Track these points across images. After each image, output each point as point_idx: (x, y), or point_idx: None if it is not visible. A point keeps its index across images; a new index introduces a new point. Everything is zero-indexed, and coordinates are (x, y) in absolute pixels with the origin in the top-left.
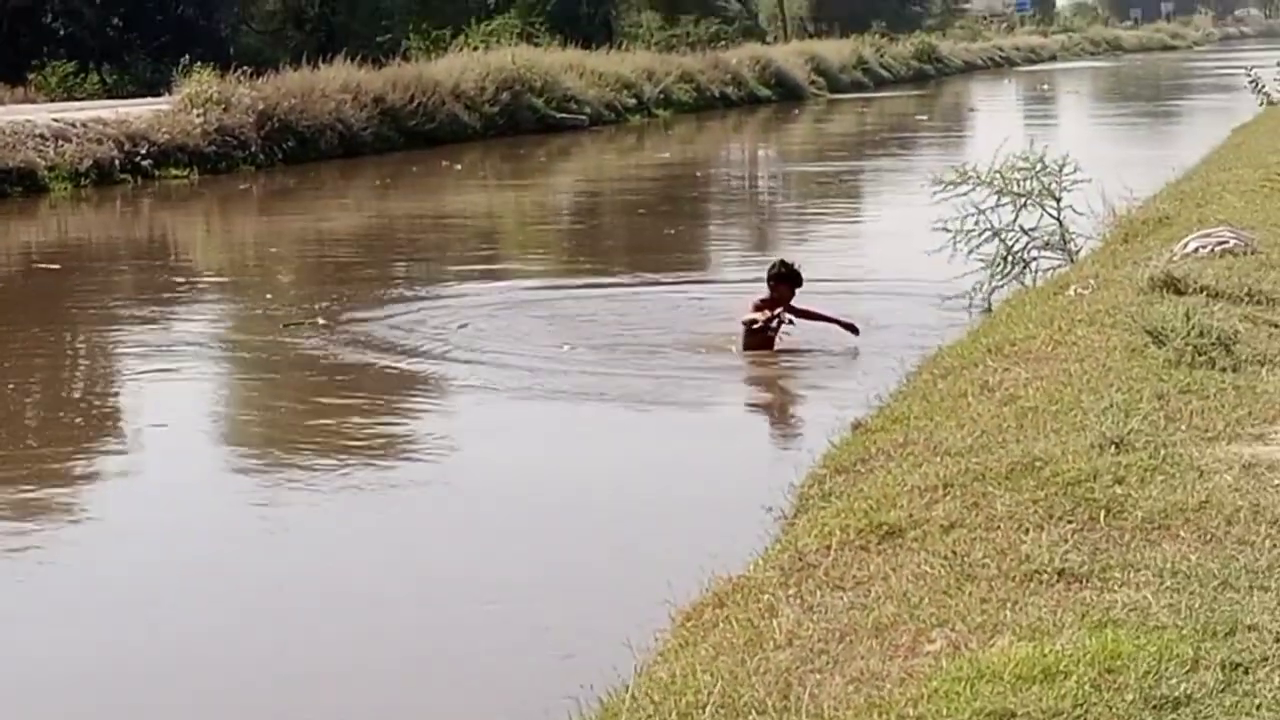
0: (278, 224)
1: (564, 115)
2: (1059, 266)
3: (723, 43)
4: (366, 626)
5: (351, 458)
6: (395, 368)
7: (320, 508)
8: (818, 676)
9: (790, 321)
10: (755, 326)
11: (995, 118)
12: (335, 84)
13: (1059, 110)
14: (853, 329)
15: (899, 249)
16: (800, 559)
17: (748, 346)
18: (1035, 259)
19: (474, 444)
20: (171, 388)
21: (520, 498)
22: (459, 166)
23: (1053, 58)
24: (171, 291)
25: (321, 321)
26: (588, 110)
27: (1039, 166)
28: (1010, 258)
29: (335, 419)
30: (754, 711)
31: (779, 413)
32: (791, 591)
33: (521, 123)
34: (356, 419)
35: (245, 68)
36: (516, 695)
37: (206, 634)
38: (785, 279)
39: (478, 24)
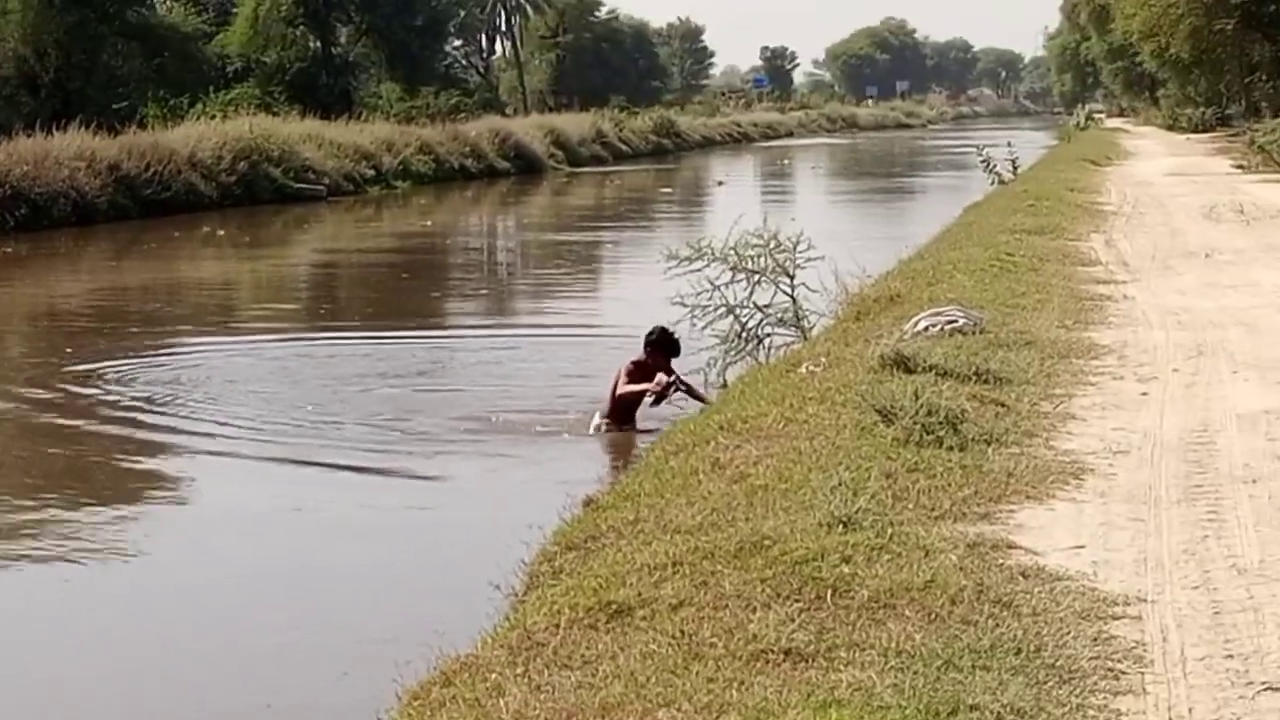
0: (7, 292)
1: (301, 185)
2: (793, 343)
3: (463, 115)
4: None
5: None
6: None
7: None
8: None
9: (679, 390)
10: (648, 399)
11: (735, 193)
12: (69, 151)
13: (797, 186)
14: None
15: (635, 319)
16: (529, 637)
17: (615, 418)
18: (769, 335)
19: (202, 507)
20: None
21: (244, 568)
22: (220, 231)
23: (790, 134)
24: None
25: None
26: (326, 181)
27: (773, 244)
28: (744, 334)
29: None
30: None
31: (513, 486)
32: (519, 670)
33: (259, 192)
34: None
35: None
36: None
37: None
38: (663, 345)
39: (216, 93)
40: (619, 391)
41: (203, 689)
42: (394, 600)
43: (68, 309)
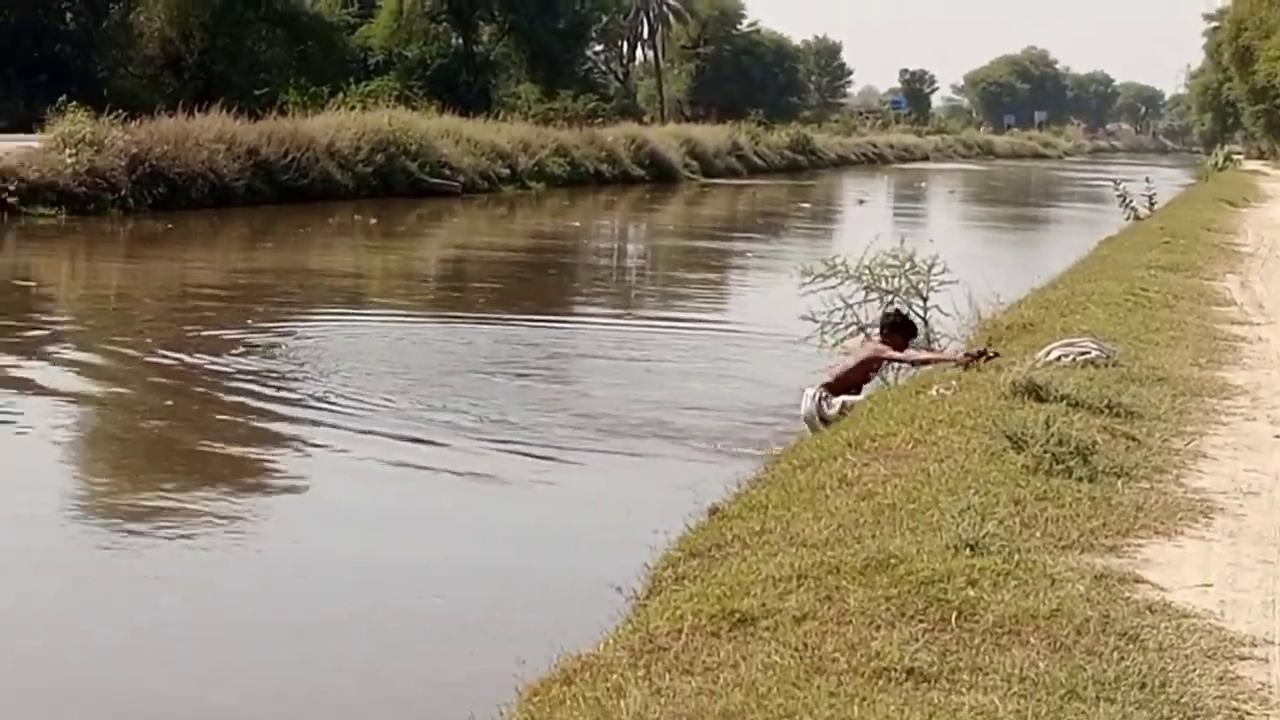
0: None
1: (437, 180)
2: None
3: (600, 120)
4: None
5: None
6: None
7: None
8: None
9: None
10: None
11: (870, 213)
12: (210, 133)
13: (931, 209)
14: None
15: (768, 339)
16: (650, 641)
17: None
18: None
19: (331, 494)
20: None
21: (369, 560)
22: (358, 217)
23: (925, 157)
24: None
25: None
26: (461, 178)
27: (908, 265)
28: None
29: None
30: None
31: (639, 491)
32: (640, 673)
33: (394, 185)
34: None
35: (120, 110)
36: None
37: None
38: (902, 328)
39: (356, 84)
40: (906, 357)
41: (319, 669)
42: (514, 598)
43: (200, 286)
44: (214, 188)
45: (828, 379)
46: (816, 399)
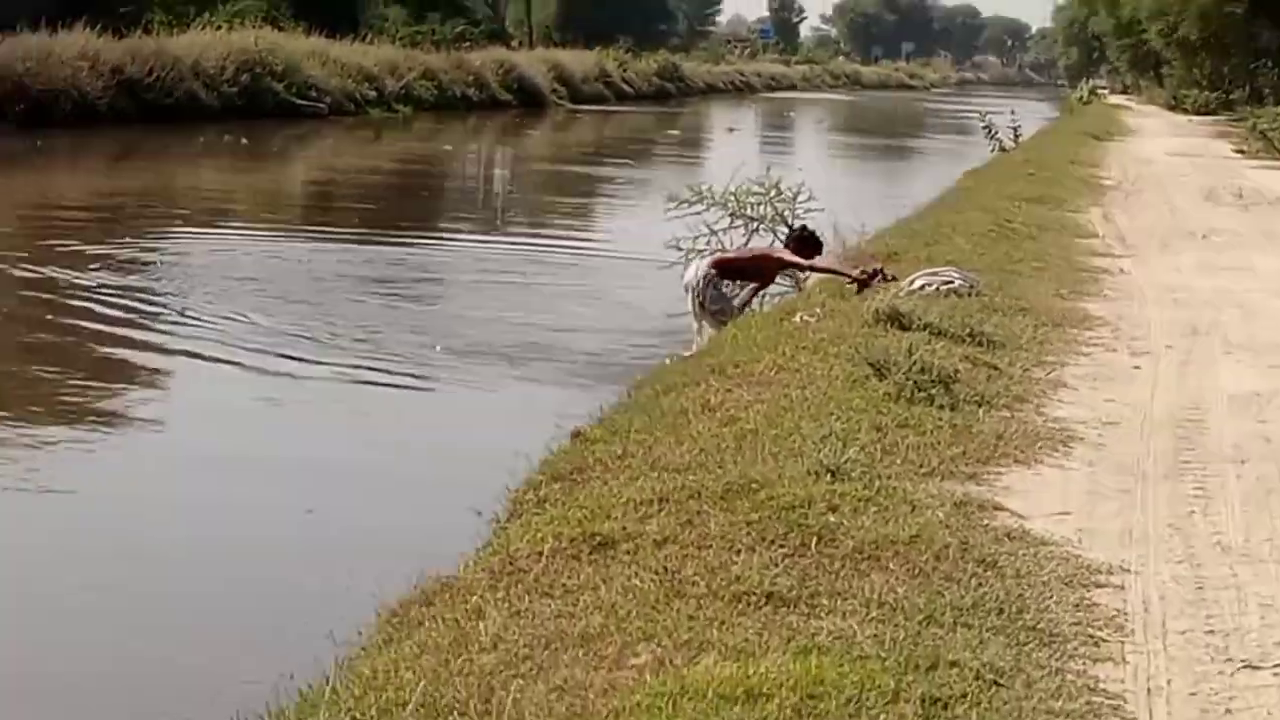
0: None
1: (304, 102)
2: (787, 293)
3: (468, 44)
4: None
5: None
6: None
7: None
8: (520, 682)
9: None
10: (847, 284)
11: (739, 142)
12: (73, 50)
13: (799, 139)
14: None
15: (635, 264)
16: (511, 564)
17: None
18: None
19: (184, 416)
20: None
21: (222, 484)
22: (244, 140)
23: (793, 87)
24: None
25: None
26: (328, 99)
27: (773, 193)
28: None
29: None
30: (454, 713)
31: (503, 414)
32: (500, 595)
33: (261, 106)
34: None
35: None
36: (215, 682)
37: None
38: (808, 242)
39: (223, 3)
40: (800, 262)
41: (182, 602)
42: (374, 521)
43: (63, 204)
44: (78, 106)
45: (712, 258)
46: (707, 276)
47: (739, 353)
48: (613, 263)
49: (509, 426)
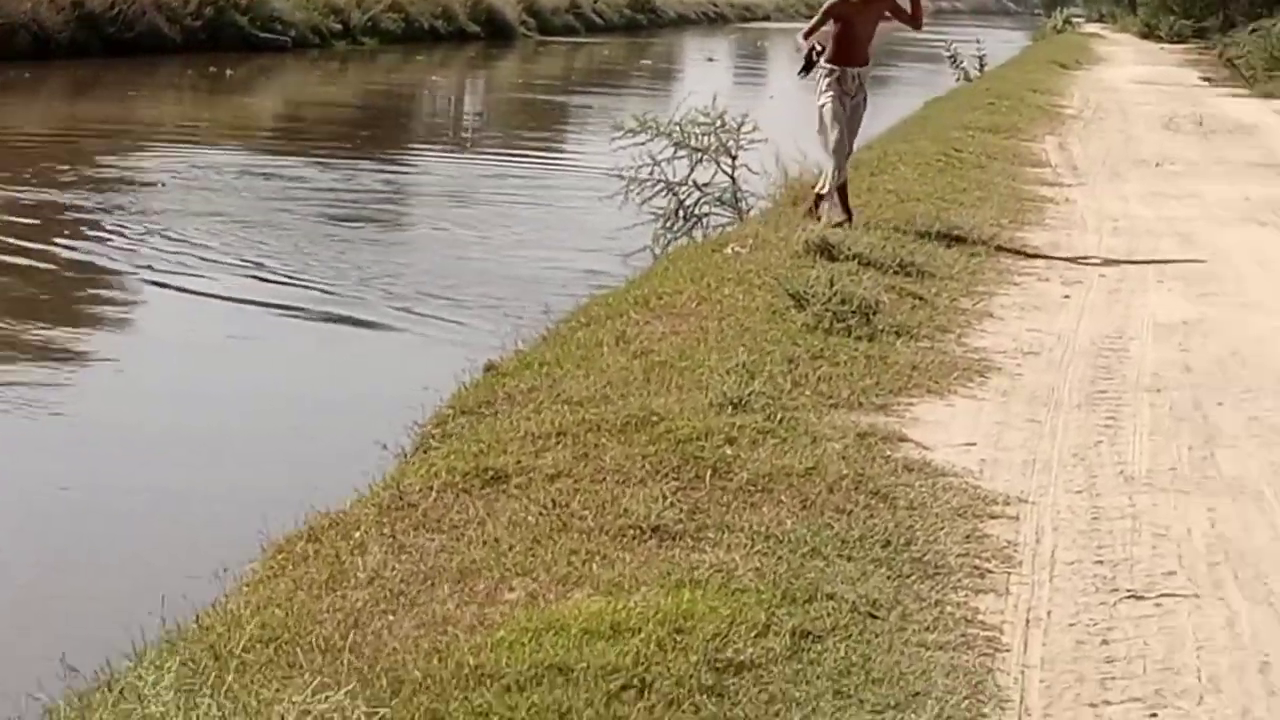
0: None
1: (267, 35)
2: (729, 224)
3: None
4: None
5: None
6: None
7: None
8: (389, 618)
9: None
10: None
11: (713, 71)
12: None
13: (772, 68)
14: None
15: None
16: (400, 498)
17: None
18: (708, 215)
19: (99, 349)
20: None
21: (137, 420)
22: (214, 69)
23: (767, 17)
24: None
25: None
26: (292, 32)
27: (718, 123)
28: (682, 212)
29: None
30: (317, 650)
31: (417, 351)
32: (385, 530)
33: (223, 39)
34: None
35: None
36: (89, 618)
37: None
38: None
39: None
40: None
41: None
42: (283, 458)
43: (24, 134)
44: (36, 39)
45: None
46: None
47: (664, 284)
48: (567, 193)
49: (435, 358)
